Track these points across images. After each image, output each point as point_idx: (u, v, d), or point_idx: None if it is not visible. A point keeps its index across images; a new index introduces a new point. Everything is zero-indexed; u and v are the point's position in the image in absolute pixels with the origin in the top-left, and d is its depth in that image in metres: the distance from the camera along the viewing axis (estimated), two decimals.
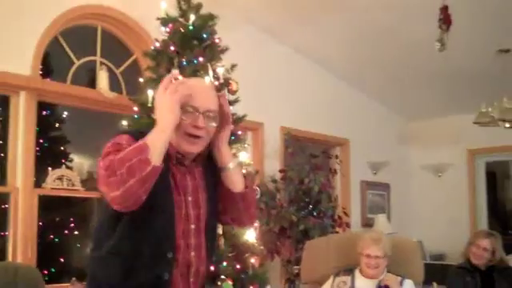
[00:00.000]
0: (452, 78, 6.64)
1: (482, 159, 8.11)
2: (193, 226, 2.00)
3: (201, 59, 3.84)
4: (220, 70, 3.97)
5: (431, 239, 7.45)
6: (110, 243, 1.92)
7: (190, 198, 2.01)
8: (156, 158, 1.78)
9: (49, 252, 4.88)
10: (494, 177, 9.06)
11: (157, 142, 1.80)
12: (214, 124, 2.01)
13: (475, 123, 5.99)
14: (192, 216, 2.00)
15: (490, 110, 5.88)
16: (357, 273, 3.87)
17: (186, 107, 1.94)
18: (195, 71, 3.74)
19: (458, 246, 4.90)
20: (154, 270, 1.91)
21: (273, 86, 6.18)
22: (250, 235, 3.98)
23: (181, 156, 2.00)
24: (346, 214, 6.44)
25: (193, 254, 2.00)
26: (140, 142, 1.79)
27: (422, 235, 7.28)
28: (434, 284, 4.68)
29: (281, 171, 5.98)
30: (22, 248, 4.15)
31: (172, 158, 1.99)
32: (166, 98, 1.87)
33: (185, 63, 3.80)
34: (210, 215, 2.09)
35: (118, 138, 1.93)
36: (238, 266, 3.84)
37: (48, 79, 4.52)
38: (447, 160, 8.05)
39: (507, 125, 5.86)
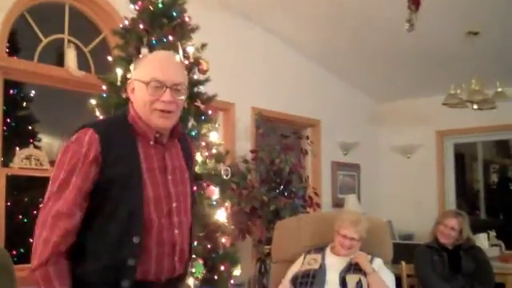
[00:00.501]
0: (422, 59, 6.68)
1: (451, 141, 8.21)
2: (174, 205, 2.01)
3: (170, 38, 3.79)
4: (190, 49, 3.93)
5: (400, 219, 7.53)
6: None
7: (169, 177, 2.02)
8: None
9: (17, 233, 4.82)
10: (462, 158, 9.18)
11: None
12: (183, 97, 2.01)
13: (444, 104, 6.06)
14: (173, 194, 2.01)
15: (458, 91, 5.95)
16: (328, 251, 3.90)
17: (152, 82, 1.94)
18: (165, 50, 3.69)
19: (426, 226, 4.97)
20: (118, 254, 1.89)
21: (244, 66, 6.15)
22: (221, 215, 3.98)
23: (159, 135, 2.01)
24: (316, 194, 6.47)
25: (176, 232, 2.00)
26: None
27: (392, 215, 7.35)
28: (403, 263, 4.74)
29: (252, 152, 5.99)
30: None
31: (150, 137, 2.00)
32: None
33: (154, 42, 3.74)
34: (191, 194, 2.14)
35: (81, 134, 1.92)
36: (208, 246, 3.83)
37: (15, 57, 4.44)
38: (416, 141, 8.13)
39: (475, 106, 5.94)
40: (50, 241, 1.83)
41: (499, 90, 5.83)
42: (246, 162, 5.83)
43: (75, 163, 1.88)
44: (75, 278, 1.90)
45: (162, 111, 1.96)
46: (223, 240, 3.97)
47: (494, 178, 10.06)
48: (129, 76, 3.66)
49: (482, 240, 5.67)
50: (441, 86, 6.22)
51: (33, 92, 5.06)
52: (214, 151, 4.03)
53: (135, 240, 1.89)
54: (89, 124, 1.97)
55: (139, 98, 1.98)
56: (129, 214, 1.89)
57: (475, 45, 5.86)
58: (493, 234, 6.21)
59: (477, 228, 5.67)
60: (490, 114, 6.31)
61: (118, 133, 1.96)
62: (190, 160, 2.21)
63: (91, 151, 1.88)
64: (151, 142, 2.00)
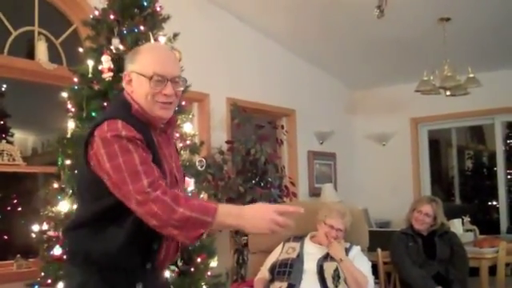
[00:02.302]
0: (394, 46, 6.71)
1: (425, 127, 8.27)
2: (178, 190, 2.08)
3: (142, 28, 3.75)
4: (162, 39, 3.89)
5: (376, 207, 7.59)
6: (112, 217, 1.98)
7: (174, 164, 2.15)
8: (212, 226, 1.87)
9: None
10: (437, 145, 9.27)
11: (226, 221, 1.89)
12: (182, 88, 2.11)
13: (417, 91, 6.09)
14: (178, 180, 2.16)
15: (431, 78, 5.98)
16: (307, 239, 3.91)
17: (154, 77, 2.02)
18: (136, 40, 3.66)
19: (402, 214, 5.00)
20: (147, 240, 2.01)
21: (218, 56, 6.12)
22: None
23: (163, 125, 2.12)
24: (292, 183, 6.48)
25: None
26: (212, 205, 1.88)
27: (368, 203, 7.41)
28: (379, 250, 4.78)
29: (227, 142, 5.97)
30: None
31: (156, 127, 2.11)
32: (273, 220, 1.92)
33: (125, 32, 3.70)
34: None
35: (112, 125, 1.94)
36: None
37: None
38: (391, 129, 8.18)
39: (448, 93, 5.98)
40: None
41: (471, 75, 5.87)
42: (221, 152, 5.80)
43: (126, 145, 1.93)
44: (98, 260, 1.99)
45: (164, 103, 2.05)
46: None
47: (469, 163, 10.17)
48: (100, 67, 3.63)
49: (457, 225, 5.73)
50: (414, 73, 6.25)
51: (4, 86, 4.98)
52: (188, 142, 4.00)
53: None
54: (110, 116, 2.00)
55: (140, 90, 2.05)
56: None
57: (447, 31, 5.90)
58: (467, 219, 6.28)
59: (451, 214, 5.74)
60: (463, 99, 6.36)
61: (138, 125, 2.00)
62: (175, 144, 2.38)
63: (134, 134, 1.94)
64: (157, 132, 2.11)
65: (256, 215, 1.90)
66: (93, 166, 1.97)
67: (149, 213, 1.85)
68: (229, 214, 1.89)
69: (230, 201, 5.55)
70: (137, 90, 2.06)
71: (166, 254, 2.10)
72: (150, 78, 2.01)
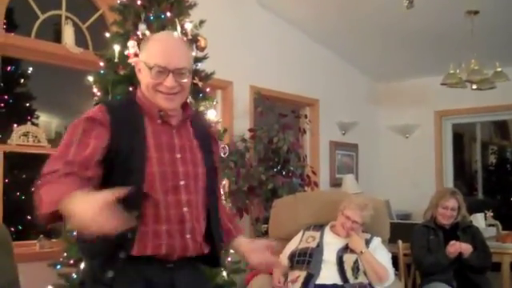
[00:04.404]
0: (421, 39, 6.64)
1: (449, 121, 8.19)
2: (182, 183, 2.02)
3: (168, 14, 3.77)
4: (188, 26, 3.90)
5: (398, 199, 7.54)
6: None
7: (178, 156, 2.05)
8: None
9: (15, 209, 4.83)
10: (461, 138, 9.19)
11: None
12: (186, 80, 2.04)
13: (442, 84, 6.03)
14: (180, 173, 2.03)
15: (457, 71, 5.92)
16: (327, 229, 3.91)
17: (155, 67, 1.99)
18: (163, 26, 3.67)
19: (423, 206, 4.96)
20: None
21: (243, 44, 6.11)
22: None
23: (163, 113, 2.05)
24: (314, 173, 6.46)
25: (185, 209, 2.02)
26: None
27: (389, 195, 7.36)
28: (399, 242, 4.76)
29: (250, 130, 5.97)
30: None
31: (155, 117, 2.05)
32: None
33: (152, 18, 3.72)
34: (208, 175, 2.13)
35: (91, 109, 2.03)
36: None
37: (12, 34, 4.41)
38: (415, 121, 8.11)
39: (474, 86, 5.91)
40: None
41: (498, 69, 5.80)
42: (244, 140, 5.81)
43: (87, 127, 1.95)
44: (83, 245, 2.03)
45: (166, 93, 2.01)
46: None
47: (492, 158, 10.08)
48: (126, 52, 3.66)
49: (479, 220, 5.69)
50: (440, 66, 6.18)
51: (30, 69, 5.04)
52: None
53: (134, 214, 1.91)
54: (102, 102, 2.15)
55: (144, 80, 2.04)
56: (131, 189, 1.88)
57: (475, 24, 5.82)
58: (490, 214, 6.23)
59: (474, 208, 5.70)
60: (489, 94, 6.28)
61: (126, 110, 2.04)
62: (208, 143, 2.22)
63: (100, 117, 1.97)
64: (158, 121, 2.05)
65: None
66: None
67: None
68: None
69: (251, 188, 5.57)
70: (142, 79, 2.06)
71: (170, 244, 1.98)
72: (151, 69, 1.99)
